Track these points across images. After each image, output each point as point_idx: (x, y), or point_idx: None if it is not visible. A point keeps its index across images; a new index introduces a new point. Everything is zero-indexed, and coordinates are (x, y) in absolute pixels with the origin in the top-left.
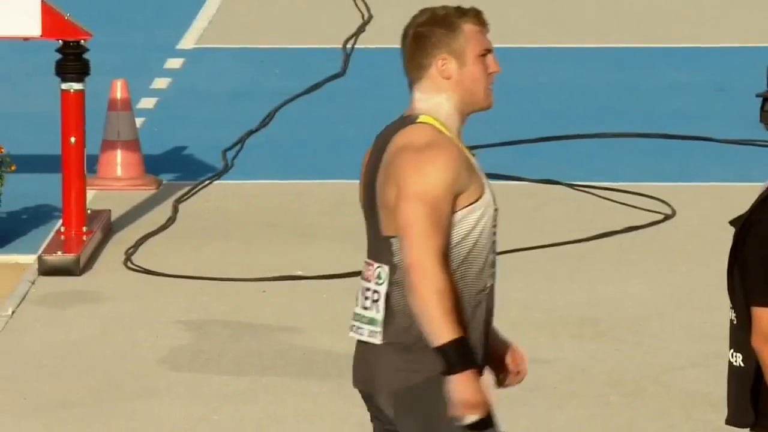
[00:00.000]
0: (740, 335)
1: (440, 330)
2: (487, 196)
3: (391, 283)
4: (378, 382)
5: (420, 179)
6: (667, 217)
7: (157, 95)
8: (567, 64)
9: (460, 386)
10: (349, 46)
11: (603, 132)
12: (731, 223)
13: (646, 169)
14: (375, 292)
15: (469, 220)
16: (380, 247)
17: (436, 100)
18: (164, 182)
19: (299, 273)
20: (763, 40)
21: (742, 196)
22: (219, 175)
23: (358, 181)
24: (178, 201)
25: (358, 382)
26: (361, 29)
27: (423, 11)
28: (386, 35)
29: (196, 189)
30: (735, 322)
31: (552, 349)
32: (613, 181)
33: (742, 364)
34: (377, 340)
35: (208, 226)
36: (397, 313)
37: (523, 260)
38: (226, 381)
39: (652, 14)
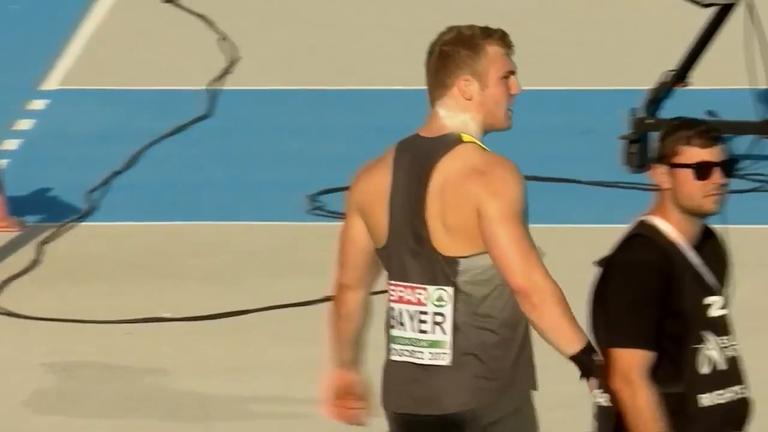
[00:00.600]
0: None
1: (573, 339)
2: None
3: (456, 301)
4: (447, 401)
5: (504, 201)
6: None
7: (20, 137)
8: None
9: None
10: (215, 87)
11: None
12: (596, 263)
13: None
14: (437, 314)
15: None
16: (437, 270)
17: (462, 118)
18: (28, 224)
19: (166, 315)
20: (627, 83)
21: (607, 238)
22: (84, 216)
23: (229, 222)
24: (43, 243)
25: (403, 405)
26: (227, 70)
27: (450, 29)
28: (253, 76)
29: (60, 230)
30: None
31: None
32: None
33: (608, 404)
34: (445, 361)
35: (74, 268)
36: (463, 331)
37: None
38: (91, 423)
39: (519, 58)
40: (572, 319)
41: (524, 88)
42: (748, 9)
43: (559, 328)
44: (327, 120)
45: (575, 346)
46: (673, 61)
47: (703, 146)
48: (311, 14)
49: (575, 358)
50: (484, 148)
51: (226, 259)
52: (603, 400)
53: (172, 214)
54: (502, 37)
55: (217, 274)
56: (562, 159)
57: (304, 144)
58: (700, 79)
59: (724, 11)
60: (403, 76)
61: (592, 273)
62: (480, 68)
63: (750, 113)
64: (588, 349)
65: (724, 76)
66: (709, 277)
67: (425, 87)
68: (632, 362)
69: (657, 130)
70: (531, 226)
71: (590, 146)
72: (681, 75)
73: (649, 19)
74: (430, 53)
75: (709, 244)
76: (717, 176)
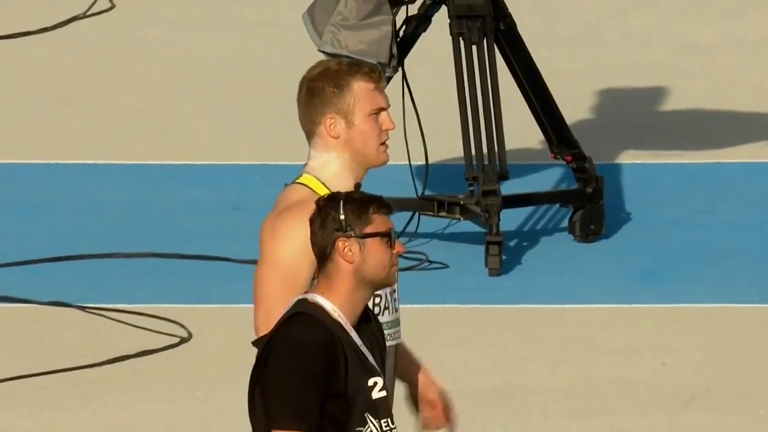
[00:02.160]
0: None
1: None
2: None
3: None
4: None
5: (273, 245)
6: (183, 341)
7: None
8: (75, 180)
9: None
10: None
11: (115, 252)
12: (254, 343)
13: (161, 291)
14: None
15: None
16: None
17: (323, 159)
18: None
19: None
20: (280, 158)
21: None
22: None
23: None
24: None
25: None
26: None
27: (319, 63)
28: None
29: None
30: None
31: None
32: (127, 303)
33: None
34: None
35: None
36: None
37: (33, 387)
38: None
39: (144, 130)
40: None
41: (167, 162)
42: (404, 82)
43: None
44: None
45: None
46: None
47: (388, 214)
48: None
49: None
50: (313, 192)
51: None
52: None
53: None
54: (368, 73)
55: None
56: (212, 236)
57: None
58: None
59: None
60: (36, 148)
61: (247, 354)
62: (345, 106)
63: (405, 189)
64: None
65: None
66: (370, 357)
67: (62, 161)
68: None
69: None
70: (178, 305)
71: (241, 223)
72: None
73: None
74: (300, 88)
75: (368, 324)
76: (399, 246)
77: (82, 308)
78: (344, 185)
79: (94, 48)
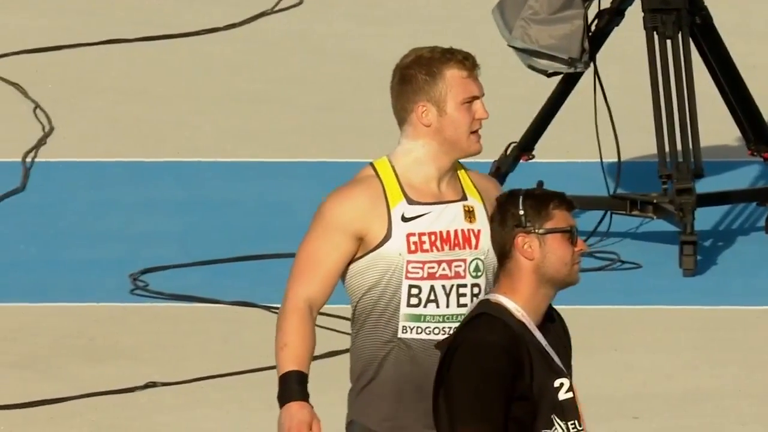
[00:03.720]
0: None
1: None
2: (390, 246)
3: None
4: None
5: (317, 212)
6: None
7: None
8: (262, 178)
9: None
10: (29, 159)
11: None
12: (436, 346)
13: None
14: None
15: (370, 273)
16: None
17: (409, 146)
18: None
19: None
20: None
21: None
22: None
23: (43, 304)
24: None
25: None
26: (41, 141)
27: (412, 51)
28: (69, 148)
29: None
30: None
31: None
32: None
33: None
34: None
35: None
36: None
37: (218, 387)
38: None
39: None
40: (282, 345)
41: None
42: (596, 78)
43: (275, 346)
44: (147, 194)
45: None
46: (518, 133)
47: (569, 211)
48: (129, 83)
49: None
50: (375, 172)
51: (40, 343)
52: None
53: None
54: (461, 61)
55: (31, 360)
56: None
57: (123, 220)
58: (544, 151)
59: (570, 80)
60: (222, 147)
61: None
62: (437, 94)
63: (597, 187)
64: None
65: (570, 149)
66: (555, 358)
67: (247, 159)
68: None
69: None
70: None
71: None
72: (526, 147)
73: (491, 88)
74: (393, 75)
75: (552, 324)
76: (582, 244)
77: (268, 308)
78: (421, 174)
79: (280, 44)
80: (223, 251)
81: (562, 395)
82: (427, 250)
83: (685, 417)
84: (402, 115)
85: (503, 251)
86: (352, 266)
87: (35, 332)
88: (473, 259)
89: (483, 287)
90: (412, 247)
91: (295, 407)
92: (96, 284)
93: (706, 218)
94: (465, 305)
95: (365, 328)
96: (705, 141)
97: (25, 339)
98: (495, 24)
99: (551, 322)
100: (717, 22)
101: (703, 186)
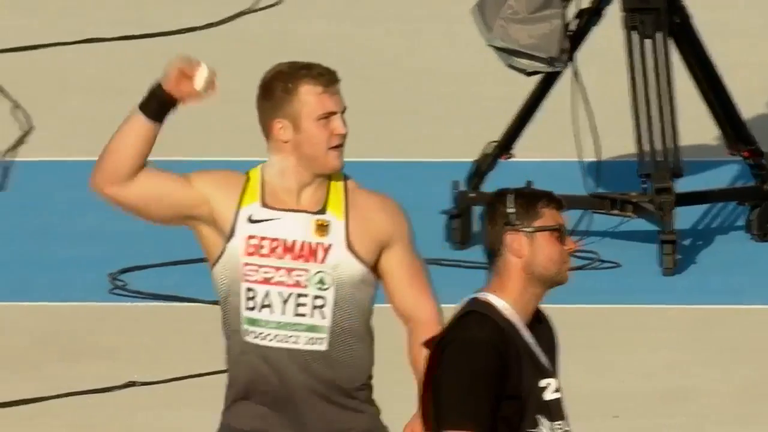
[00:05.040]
0: None
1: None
2: (232, 245)
3: None
4: None
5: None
6: None
7: None
8: None
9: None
10: (7, 158)
11: None
12: (424, 344)
13: None
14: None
15: (224, 273)
16: None
17: (272, 160)
18: None
19: None
20: (445, 155)
21: None
22: None
23: (22, 303)
24: None
25: None
26: (21, 140)
27: (276, 65)
28: (48, 147)
29: None
30: None
31: None
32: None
33: None
34: None
35: None
36: None
37: (198, 387)
38: None
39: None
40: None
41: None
42: (575, 77)
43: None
44: None
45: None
46: (496, 131)
47: (560, 210)
48: (107, 82)
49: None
50: (247, 174)
51: (19, 342)
52: None
53: None
54: (317, 77)
55: (10, 359)
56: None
57: (103, 219)
58: (524, 150)
59: (549, 79)
60: (201, 145)
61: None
62: (292, 110)
63: (576, 186)
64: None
65: (550, 147)
66: (543, 358)
67: (226, 158)
68: None
69: (480, 205)
70: None
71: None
72: (505, 146)
73: (471, 87)
74: (258, 89)
75: (540, 324)
76: (572, 243)
77: None
78: (284, 184)
79: (259, 44)
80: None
81: (548, 395)
82: (265, 255)
83: (665, 416)
84: (264, 130)
85: (492, 250)
86: (214, 268)
87: (14, 331)
88: (317, 272)
89: (330, 300)
90: (250, 250)
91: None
92: (76, 283)
93: (686, 217)
94: (304, 315)
95: (224, 328)
96: (685, 140)
97: (3, 338)
98: (474, 23)
99: (538, 322)
100: (696, 22)
101: (682, 185)
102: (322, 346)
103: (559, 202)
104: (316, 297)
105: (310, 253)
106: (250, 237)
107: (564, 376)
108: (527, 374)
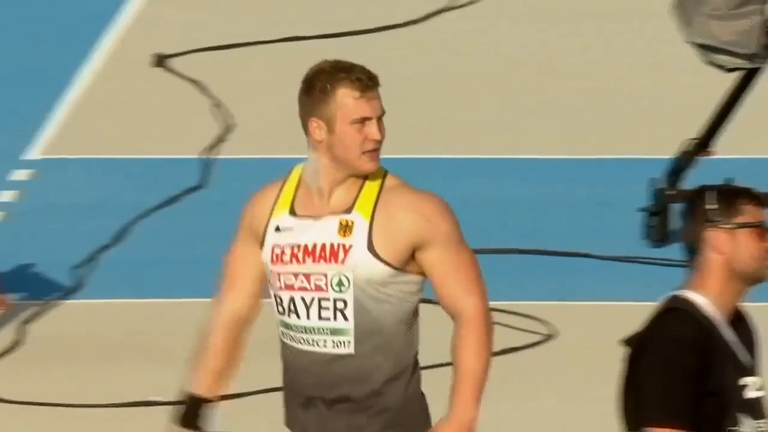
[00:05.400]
0: None
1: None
2: (263, 255)
3: None
4: None
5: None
6: (546, 338)
7: (1, 209)
8: (444, 173)
9: None
10: (208, 155)
11: (481, 248)
12: (625, 342)
13: (524, 287)
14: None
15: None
16: None
17: (310, 156)
18: (9, 302)
19: (156, 398)
20: (644, 152)
21: (622, 315)
22: (69, 294)
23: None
24: (25, 322)
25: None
26: (221, 138)
27: (322, 62)
28: (249, 144)
29: (44, 309)
30: None
31: None
32: (492, 300)
33: None
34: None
35: (58, 349)
36: None
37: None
38: None
39: (530, 125)
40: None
41: (536, 156)
42: None
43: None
44: None
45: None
46: (695, 128)
47: (761, 207)
48: None
49: None
50: (285, 180)
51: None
52: None
53: (162, 291)
54: (355, 81)
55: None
56: (577, 231)
57: None
58: (724, 147)
59: (750, 76)
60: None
61: (606, 352)
62: (327, 112)
63: None
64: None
65: (750, 144)
66: (744, 356)
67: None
68: None
69: (679, 202)
70: (538, 303)
71: (604, 219)
72: (704, 143)
73: (670, 84)
74: (301, 83)
75: (740, 322)
76: None
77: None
78: (315, 183)
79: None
80: None
81: (751, 393)
82: (286, 262)
83: None
84: (303, 126)
85: (693, 247)
86: None
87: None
88: (335, 274)
89: (351, 302)
90: (274, 258)
91: None
92: None
93: None
94: (327, 318)
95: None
96: None
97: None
98: (674, 19)
99: (739, 320)
100: None
101: None
102: (349, 349)
103: (760, 199)
104: (337, 300)
105: (331, 254)
106: (275, 246)
107: (766, 375)
108: (728, 372)
